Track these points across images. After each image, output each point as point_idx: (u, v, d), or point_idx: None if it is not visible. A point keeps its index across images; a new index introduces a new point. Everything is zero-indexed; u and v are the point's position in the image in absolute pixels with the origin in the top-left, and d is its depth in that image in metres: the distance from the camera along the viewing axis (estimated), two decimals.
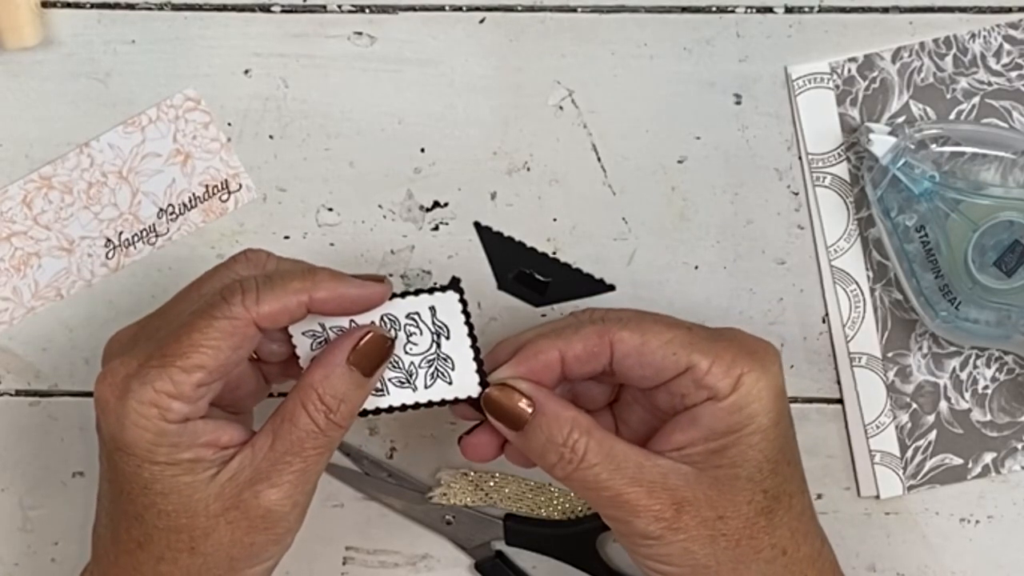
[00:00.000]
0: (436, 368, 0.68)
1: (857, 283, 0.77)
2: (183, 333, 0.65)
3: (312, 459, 0.66)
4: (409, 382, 0.68)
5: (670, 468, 0.66)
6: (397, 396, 0.68)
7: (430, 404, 0.68)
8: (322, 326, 0.67)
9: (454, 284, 0.67)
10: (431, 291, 0.67)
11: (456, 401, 0.68)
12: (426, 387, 0.68)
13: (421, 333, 0.67)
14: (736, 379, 0.66)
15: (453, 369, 0.68)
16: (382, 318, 0.67)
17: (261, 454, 0.66)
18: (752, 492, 0.66)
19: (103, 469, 0.67)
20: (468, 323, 0.67)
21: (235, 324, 0.64)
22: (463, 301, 0.67)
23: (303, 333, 0.67)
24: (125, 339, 0.68)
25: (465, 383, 0.68)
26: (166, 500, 0.65)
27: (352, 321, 0.67)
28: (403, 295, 0.67)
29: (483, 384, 0.68)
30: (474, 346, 0.68)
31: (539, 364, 0.68)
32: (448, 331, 0.67)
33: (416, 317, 0.67)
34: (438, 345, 0.68)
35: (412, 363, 0.68)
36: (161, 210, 0.77)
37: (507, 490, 0.78)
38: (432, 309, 0.67)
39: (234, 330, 0.64)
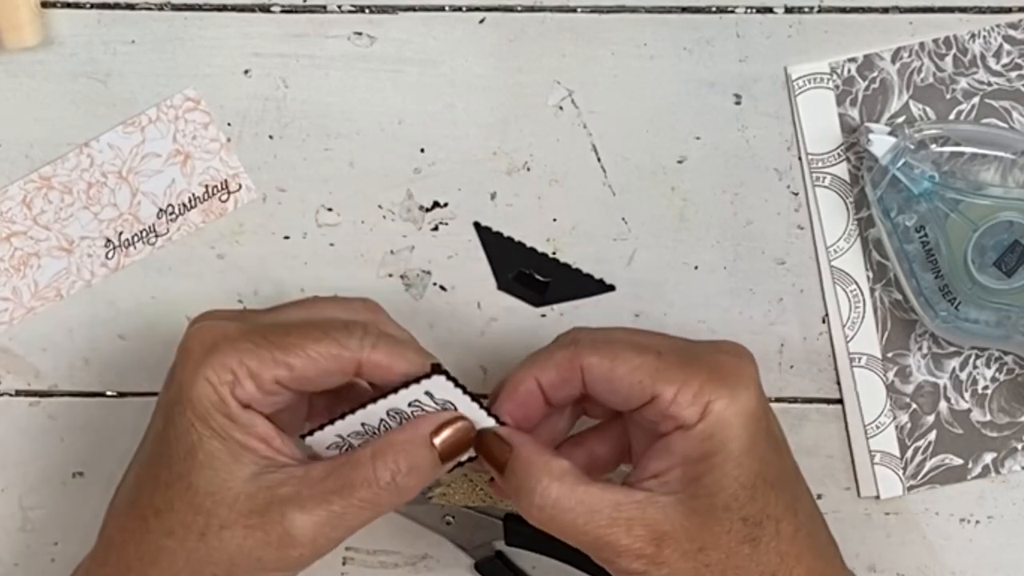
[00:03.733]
0: None
1: (857, 283, 0.77)
2: (295, 331, 0.66)
3: (353, 509, 0.65)
4: None
5: (648, 501, 0.65)
6: None
7: None
8: (341, 437, 0.68)
9: (436, 369, 0.66)
10: (418, 380, 0.66)
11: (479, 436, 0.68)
12: None
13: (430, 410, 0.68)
14: (703, 407, 0.65)
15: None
16: (388, 412, 0.67)
17: (309, 480, 0.65)
18: (730, 521, 0.65)
19: (152, 430, 0.67)
20: (466, 392, 0.67)
21: (343, 356, 0.65)
22: (452, 379, 0.66)
23: (327, 447, 0.68)
24: (221, 314, 0.69)
25: (480, 422, 0.68)
26: (202, 473, 0.65)
27: (364, 425, 0.67)
28: (395, 391, 0.66)
29: (496, 419, 0.68)
30: (476, 400, 0.67)
31: (521, 396, 0.68)
32: (452, 403, 0.67)
33: (418, 404, 0.67)
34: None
35: None
36: (161, 210, 0.77)
37: None
38: (429, 394, 0.67)
39: (339, 358, 0.65)
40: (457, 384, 0.67)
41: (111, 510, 0.69)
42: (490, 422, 0.68)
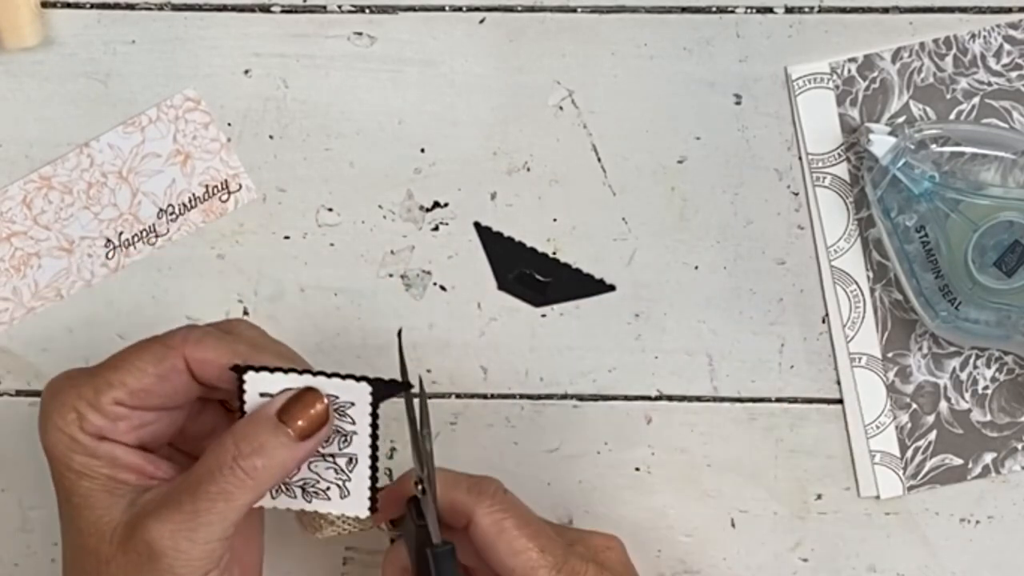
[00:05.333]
0: (336, 465, 0.67)
1: (857, 283, 0.77)
2: (126, 350, 0.65)
3: (204, 505, 0.62)
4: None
5: None
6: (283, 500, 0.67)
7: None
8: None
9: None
10: (345, 377, 0.64)
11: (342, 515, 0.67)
12: (319, 490, 0.67)
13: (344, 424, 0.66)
14: None
15: (350, 479, 0.67)
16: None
17: (168, 489, 0.64)
18: None
19: None
20: (375, 424, 0.65)
21: (166, 352, 0.64)
22: (375, 403, 0.64)
23: (260, 394, 0.65)
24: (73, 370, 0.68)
25: (357, 497, 0.67)
26: (81, 516, 0.64)
27: None
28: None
29: (372, 509, 0.66)
30: (374, 455, 0.66)
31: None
32: (335, 396, 0.65)
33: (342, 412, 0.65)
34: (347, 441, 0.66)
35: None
36: (161, 210, 0.77)
37: None
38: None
39: (163, 357, 0.64)
40: (375, 415, 0.65)
41: None
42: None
